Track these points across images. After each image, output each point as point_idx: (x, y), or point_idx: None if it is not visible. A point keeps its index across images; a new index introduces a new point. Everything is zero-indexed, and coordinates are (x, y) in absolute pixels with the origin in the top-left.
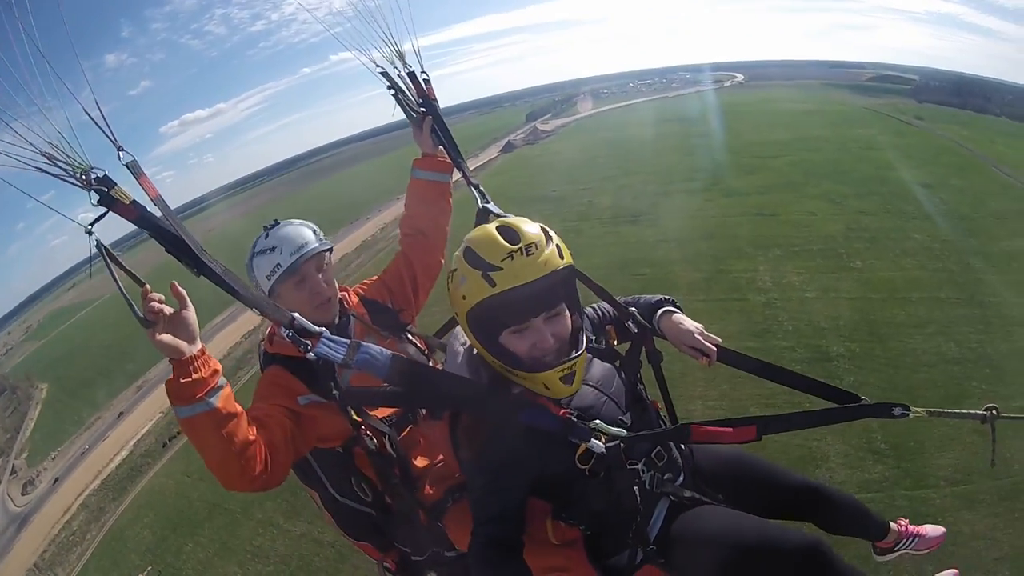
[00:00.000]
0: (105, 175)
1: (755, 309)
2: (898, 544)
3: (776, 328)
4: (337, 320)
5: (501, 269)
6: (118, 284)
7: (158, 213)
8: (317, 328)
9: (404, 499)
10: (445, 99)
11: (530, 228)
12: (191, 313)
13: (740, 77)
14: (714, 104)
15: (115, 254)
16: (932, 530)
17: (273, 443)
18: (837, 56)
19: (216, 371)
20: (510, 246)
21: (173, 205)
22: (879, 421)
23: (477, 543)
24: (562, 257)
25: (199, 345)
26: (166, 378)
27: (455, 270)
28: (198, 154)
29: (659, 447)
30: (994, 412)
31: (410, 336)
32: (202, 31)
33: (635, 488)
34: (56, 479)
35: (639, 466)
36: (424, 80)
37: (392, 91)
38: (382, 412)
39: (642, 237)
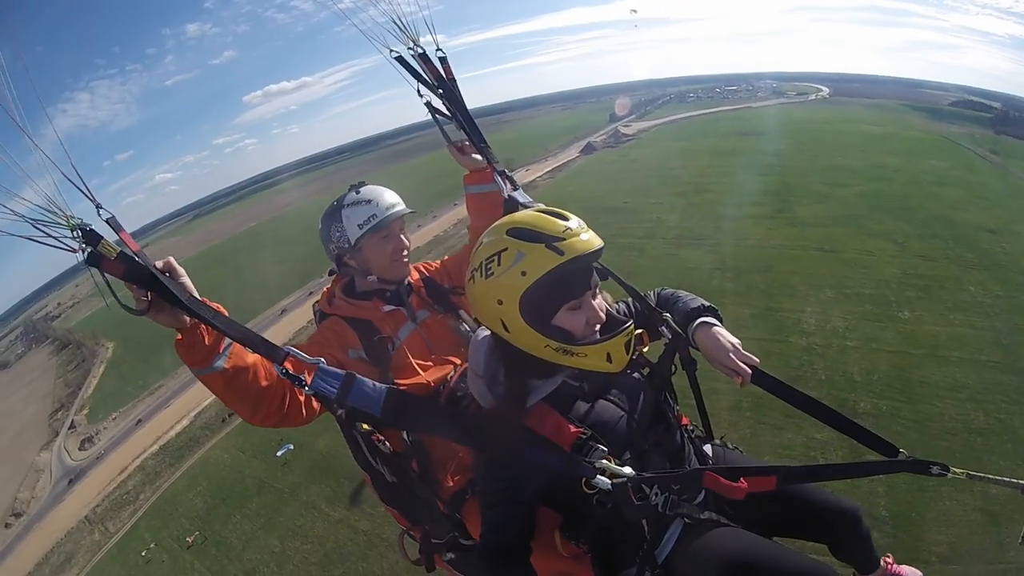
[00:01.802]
0: (91, 229)
1: (794, 353)
2: None
3: (810, 376)
4: (405, 283)
5: (564, 239)
6: (110, 287)
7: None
8: (312, 359)
9: (420, 488)
10: (530, 89)
11: (569, 213)
12: (185, 281)
13: (825, 91)
14: (794, 121)
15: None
16: (910, 572)
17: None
18: (919, 74)
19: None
20: (565, 222)
21: (253, 173)
22: (886, 484)
23: (485, 548)
24: None
25: None
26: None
27: (503, 251)
28: (282, 125)
29: (676, 468)
30: None
31: (461, 315)
32: (288, 5)
33: (643, 521)
34: (125, 432)
35: (651, 491)
36: (440, 58)
37: (425, 100)
38: None
39: (701, 263)
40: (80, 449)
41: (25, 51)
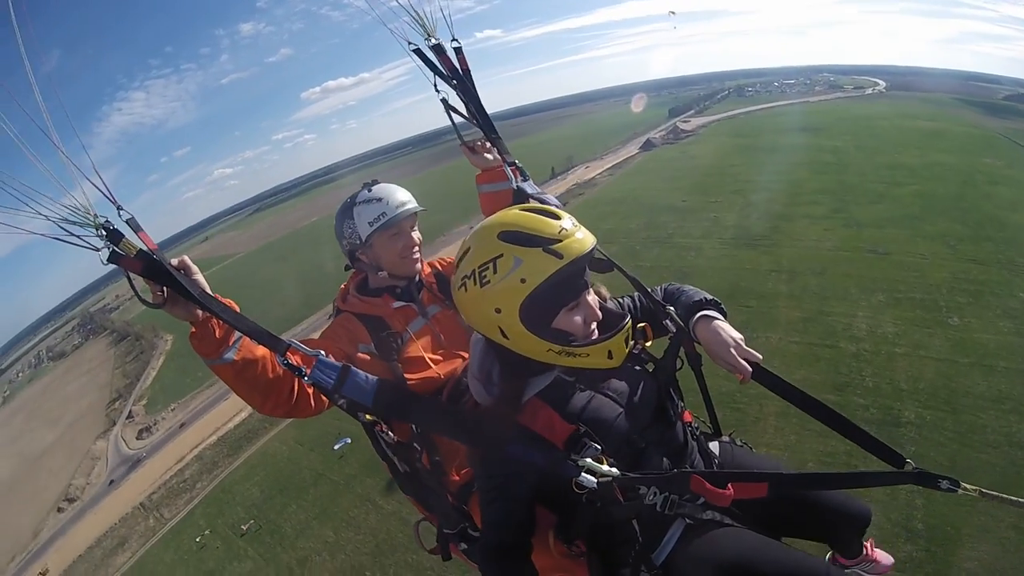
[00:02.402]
0: (114, 228)
1: (843, 359)
2: (859, 564)
3: (857, 383)
4: (416, 279)
5: (561, 241)
6: (130, 282)
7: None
8: (312, 351)
9: (429, 479)
10: (587, 84)
11: (557, 210)
12: (199, 278)
13: (882, 85)
14: (852, 116)
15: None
16: (883, 557)
17: None
18: (972, 66)
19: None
20: (558, 222)
21: (313, 168)
22: (924, 496)
23: (485, 545)
24: None
25: None
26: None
27: (498, 257)
28: (340, 120)
29: (675, 468)
30: None
31: None
32: (341, 3)
33: (633, 520)
34: (182, 424)
35: (647, 491)
36: (455, 49)
37: (441, 96)
38: None
39: (757, 264)
40: (138, 438)
41: (75, 53)
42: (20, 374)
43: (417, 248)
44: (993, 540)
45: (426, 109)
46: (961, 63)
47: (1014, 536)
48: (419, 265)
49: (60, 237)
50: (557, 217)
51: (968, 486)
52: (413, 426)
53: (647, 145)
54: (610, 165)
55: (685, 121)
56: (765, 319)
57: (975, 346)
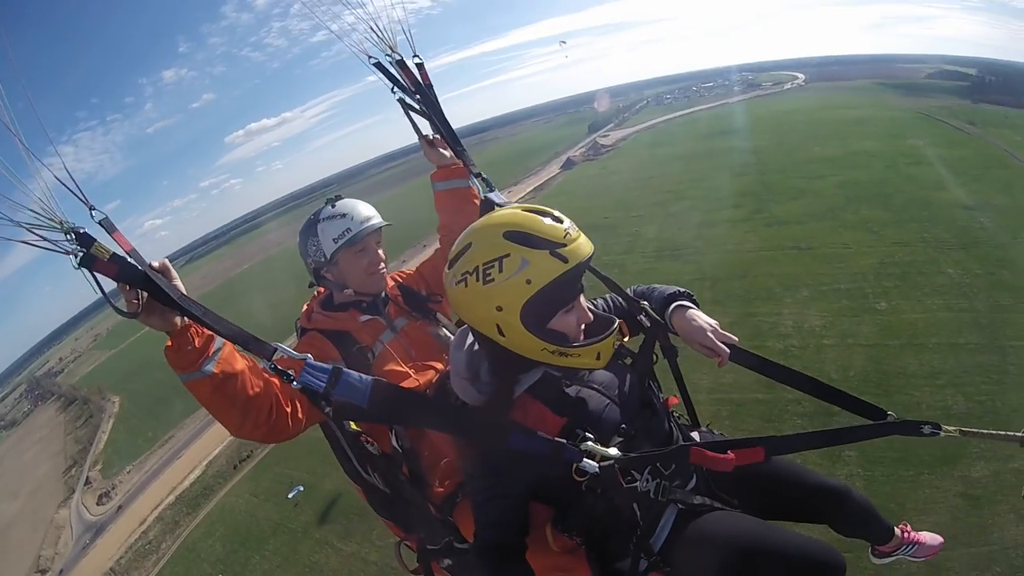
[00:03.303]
0: (85, 232)
1: (771, 357)
2: (898, 549)
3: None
4: (382, 294)
5: (567, 246)
6: (100, 289)
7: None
8: (300, 355)
9: (411, 493)
10: (508, 105)
11: (558, 212)
12: (178, 284)
13: (801, 78)
14: (771, 114)
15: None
16: (930, 538)
17: (288, 397)
18: (895, 49)
19: (211, 337)
20: (562, 226)
21: (240, 213)
22: (864, 478)
23: (479, 547)
24: None
25: None
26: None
27: (504, 256)
28: (266, 162)
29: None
30: None
31: (440, 320)
32: (262, 44)
33: (634, 503)
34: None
35: (641, 477)
36: (416, 64)
37: (397, 95)
38: None
39: (680, 273)
40: (98, 504)
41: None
42: None
43: (383, 264)
44: (942, 510)
45: (348, 144)
46: (886, 47)
47: (962, 503)
48: (385, 281)
49: (28, 241)
50: (560, 221)
51: (948, 428)
52: (395, 439)
53: (567, 164)
54: (531, 188)
55: (604, 136)
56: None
57: (904, 327)
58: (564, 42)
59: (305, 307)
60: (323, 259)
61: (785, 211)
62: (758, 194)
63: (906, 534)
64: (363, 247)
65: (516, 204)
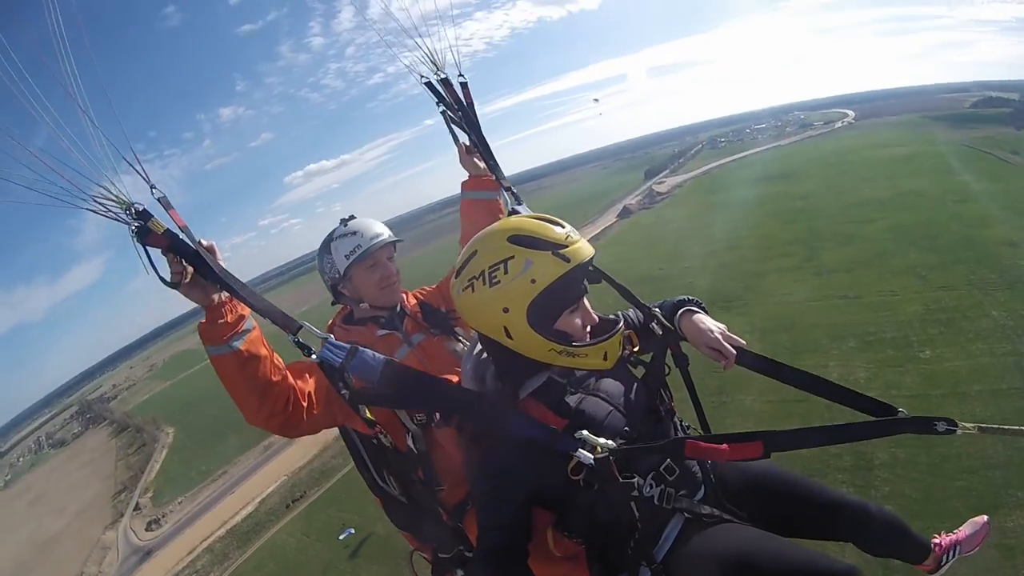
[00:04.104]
0: (144, 209)
1: (815, 411)
2: (943, 561)
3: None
4: (398, 308)
5: (568, 246)
6: (150, 260)
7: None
8: (323, 333)
9: (424, 498)
10: (564, 151)
11: (556, 218)
12: (221, 263)
13: (851, 115)
14: (821, 155)
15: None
16: (972, 527)
17: (305, 392)
18: (939, 78)
19: (242, 316)
20: (563, 229)
21: (302, 252)
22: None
23: (481, 550)
24: None
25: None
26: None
27: (509, 259)
28: (326, 203)
29: (669, 460)
30: None
31: (458, 336)
32: (319, 84)
33: (631, 502)
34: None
35: (642, 480)
36: (461, 83)
37: (441, 108)
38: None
39: (731, 327)
40: (147, 529)
41: (61, 137)
42: (21, 459)
43: (395, 278)
44: (976, 562)
45: (408, 188)
46: (930, 77)
47: (996, 554)
48: (399, 295)
49: (96, 210)
50: (561, 225)
51: (967, 424)
52: (410, 440)
53: (624, 212)
54: (588, 237)
55: (660, 182)
56: (738, 382)
57: (947, 376)
58: (597, 100)
59: (329, 324)
60: (338, 275)
61: (834, 258)
62: (808, 241)
63: (939, 548)
64: (374, 262)
65: (522, 213)
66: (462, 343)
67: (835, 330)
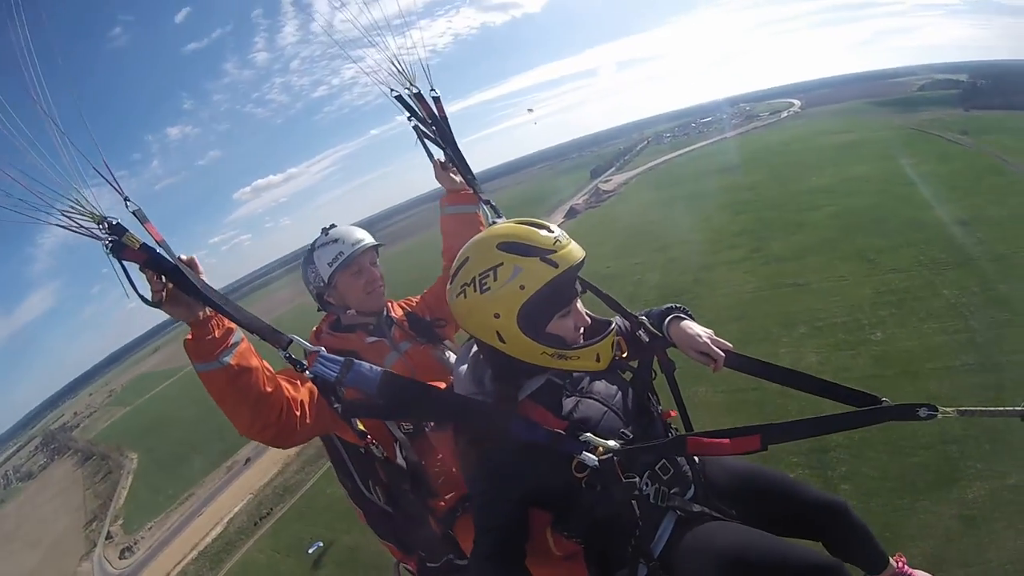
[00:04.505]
0: (118, 223)
1: (768, 399)
2: None
3: (784, 418)
4: (385, 315)
5: (556, 251)
6: (128, 277)
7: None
8: (313, 346)
9: (413, 506)
10: (512, 152)
11: (548, 222)
12: (203, 278)
13: (797, 104)
14: (767, 146)
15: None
16: None
17: (297, 401)
18: (885, 64)
19: (230, 330)
20: (552, 234)
21: (250, 269)
22: (860, 510)
23: (479, 552)
24: None
25: None
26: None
27: (498, 266)
28: (274, 218)
29: (664, 460)
30: None
31: (444, 345)
32: (264, 100)
33: (633, 502)
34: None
35: (639, 479)
36: (434, 98)
37: (413, 123)
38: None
39: None
40: (120, 558)
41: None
42: None
43: (379, 282)
44: (938, 534)
45: (357, 198)
46: (877, 63)
47: (958, 525)
48: (383, 299)
49: (64, 225)
50: (550, 230)
51: (946, 409)
52: (400, 450)
53: (571, 213)
54: None
55: (606, 181)
56: (689, 375)
57: (900, 356)
58: (531, 110)
59: (314, 329)
60: (322, 283)
61: (782, 248)
62: (755, 232)
63: (901, 567)
64: (358, 267)
65: (513, 219)
66: (448, 351)
67: (785, 318)
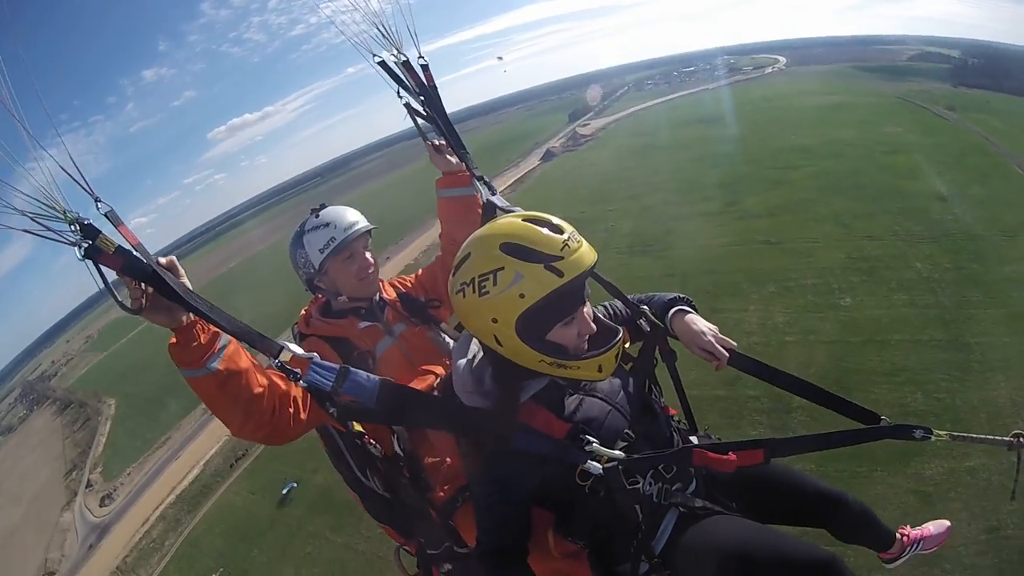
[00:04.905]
0: (89, 223)
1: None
2: (903, 552)
3: (747, 376)
4: (377, 298)
5: (563, 258)
6: (105, 282)
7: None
8: (307, 354)
9: (411, 497)
10: (490, 92)
11: (560, 220)
12: (185, 281)
13: (782, 61)
14: (750, 100)
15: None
16: (936, 527)
17: (290, 398)
18: (874, 30)
19: (216, 333)
20: (560, 236)
21: (224, 209)
22: (818, 474)
23: (481, 551)
24: None
25: None
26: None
27: (499, 270)
28: (249, 156)
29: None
30: (1022, 439)
31: (440, 326)
32: (241, 39)
33: (636, 506)
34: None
35: (644, 481)
36: (422, 66)
37: (404, 101)
38: None
39: (651, 271)
40: (101, 506)
41: None
42: None
43: (372, 268)
44: (893, 507)
45: (333, 135)
46: (867, 28)
47: (913, 500)
48: (377, 284)
49: (32, 231)
50: (560, 231)
51: (940, 432)
52: (397, 442)
53: (547, 156)
54: (512, 181)
55: (584, 125)
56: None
57: (867, 323)
58: (501, 57)
59: (303, 312)
60: (313, 270)
61: (757, 204)
62: (732, 185)
63: (906, 538)
64: (350, 253)
65: (518, 212)
66: (444, 333)
67: (756, 275)
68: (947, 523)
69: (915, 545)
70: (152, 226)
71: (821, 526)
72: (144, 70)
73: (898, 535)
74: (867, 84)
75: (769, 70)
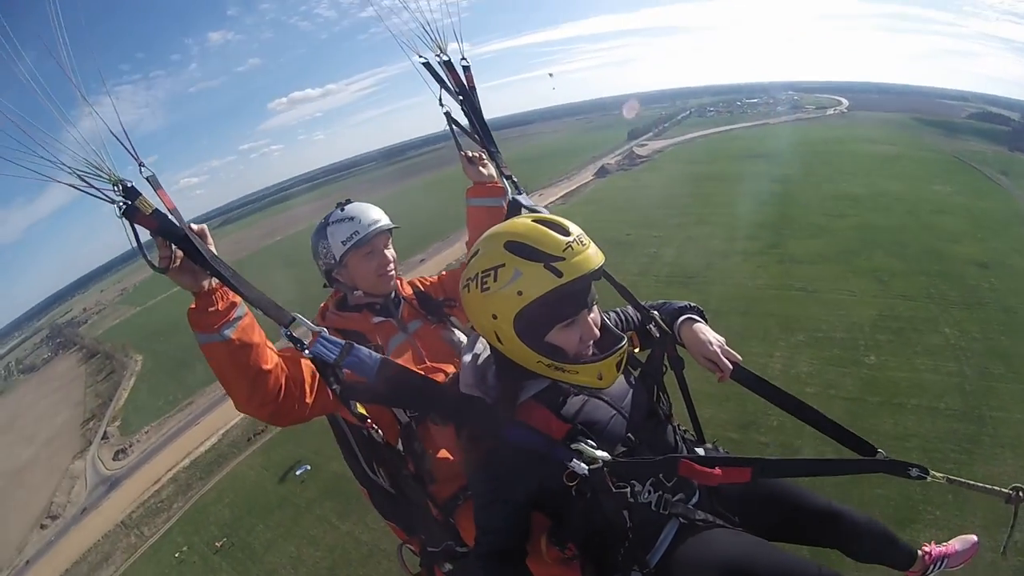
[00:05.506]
0: (132, 186)
1: (751, 398)
2: (928, 570)
3: (762, 422)
4: (393, 295)
5: (564, 259)
6: (137, 241)
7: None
8: (316, 326)
9: (414, 492)
10: (552, 99)
11: (569, 223)
12: (211, 248)
13: (844, 104)
14: (808, 141)
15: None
16: (962, 543)
17: (298, 380)
18: (940, 83)
19: (233, 303)
20: (565, 238)
21: (276, 180)
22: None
23: (479, 552)
24: None
25: None
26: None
27: (500, 266)
28: (307, 131)
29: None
30: (1020, 493)
31: (455, 325)
32: (312, 13)
33: (624, 510)
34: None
35: (641, 488)
36: (464, 67)
37: (445, 110)
38: None
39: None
40: (114, 459)
41: (45, 57)
42: None
43: (391, 265)
44: (882, 515)
45: (392, 121)
46: (929, 79)
47: (898, 509)
48: (394, 282)
49: (78, 186)
50: (566, 232)
51: (936, 474)
52: (401, 432)
53: (602, 172)
54: (563, 193)
55: (642, 145)
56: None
57: (887, 384)
58: (552, 75)
59: (321, 306)
60: (333, 261)
61: (800, 249)
62: (777, 227)
63: (928, 556)
64: (371, 249)
65: (539, 212)
66: (458, 331)
67: (788, 321)
68: (974, 538)
69: (939, 563)
70: (203, 187)
71: (830, 545)
72: (211, 32)
73: (920, 553)
74: (924, 138)
75: (831, 111)
